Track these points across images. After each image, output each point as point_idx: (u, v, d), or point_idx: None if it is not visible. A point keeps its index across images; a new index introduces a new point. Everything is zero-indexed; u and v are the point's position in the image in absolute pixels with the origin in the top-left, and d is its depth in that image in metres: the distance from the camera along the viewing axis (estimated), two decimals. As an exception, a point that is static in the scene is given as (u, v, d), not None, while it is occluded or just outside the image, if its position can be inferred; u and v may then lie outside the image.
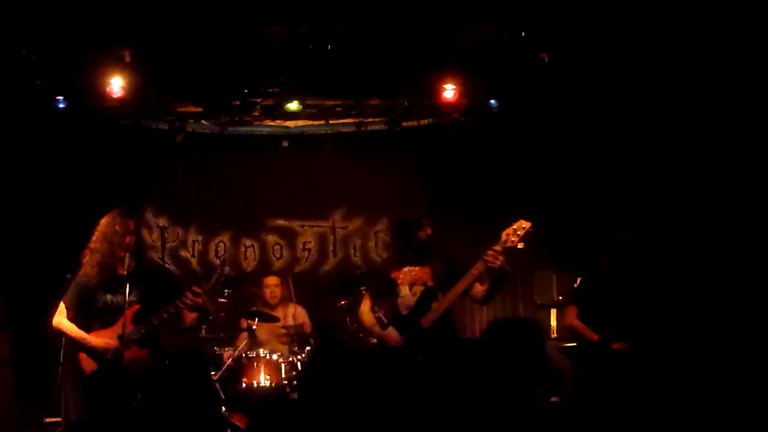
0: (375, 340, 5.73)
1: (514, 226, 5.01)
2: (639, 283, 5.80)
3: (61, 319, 5.08)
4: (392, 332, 5.37)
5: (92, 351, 4.98)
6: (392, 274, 5.48)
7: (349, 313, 7.17)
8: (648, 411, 5.34)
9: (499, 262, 4.96)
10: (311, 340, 7.22)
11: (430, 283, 5.37)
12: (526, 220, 5.02)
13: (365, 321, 5.58)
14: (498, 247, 4.98)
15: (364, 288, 6.06)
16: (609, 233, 6.39)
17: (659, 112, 6.81)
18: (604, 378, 5.63)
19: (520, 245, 5.03)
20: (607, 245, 6.11)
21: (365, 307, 5.60)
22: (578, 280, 6.89)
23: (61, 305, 5.10)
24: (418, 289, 5.38)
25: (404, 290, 5.41)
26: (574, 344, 6.36)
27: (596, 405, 5.64)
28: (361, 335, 6.80)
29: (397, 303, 5.43)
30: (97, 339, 4.98)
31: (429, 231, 5.46)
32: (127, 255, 5.01)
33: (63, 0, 5.99)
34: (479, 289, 5.24)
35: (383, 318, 5.85)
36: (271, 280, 7.60)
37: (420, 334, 5.24)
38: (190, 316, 5.18)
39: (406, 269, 5.45)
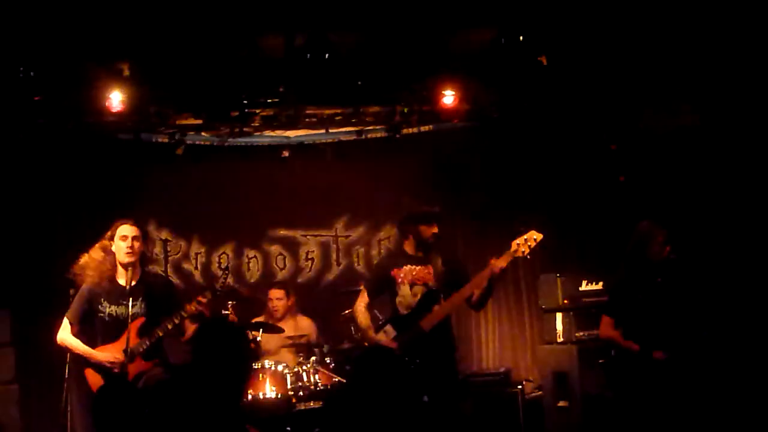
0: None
1: (525, 237, 5.02)
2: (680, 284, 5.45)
3: (65, 335, 5.07)
4: (384, 337, 5.24)
5: (98, 366, 4.96)
6: (392, 272, 5.37)
7: (352, 322, 7.10)
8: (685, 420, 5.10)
9: (500, 268, 5.00)
10: (316, 350, 7.18)
11: (431, 284, 5.28)
12: (538, 231, 5.03)
13: (360, 321, 5.44)
14: (508, 256, 4.99)
15: (362, 284, 5.83)
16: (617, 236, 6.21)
17: (661, 110, 6.79)
18: (642, 387, 5.11)
19: (529, 256, 5.06)
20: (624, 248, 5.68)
21: (361, 305, 5.46)
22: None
23: (65, 321, 5.09)
24: (419, 289, 5.28)
25: (404, 289, 5.30)
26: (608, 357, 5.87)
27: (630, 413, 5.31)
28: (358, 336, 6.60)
29: (396, 302, 5.33)
30: (103, 354, 4.97)
31: (435, 229, 5.33)
32: (130, 268, 4.99)
33: (61, 16, 5.98)
34: (475, 294, 5.19)
35: (379, 315, 5.76)
36: (275, 293, 7.56)
37: (419, 337, 5.15)
38: (191, 328, 5.17)
39: (407, 268, 5.34)
